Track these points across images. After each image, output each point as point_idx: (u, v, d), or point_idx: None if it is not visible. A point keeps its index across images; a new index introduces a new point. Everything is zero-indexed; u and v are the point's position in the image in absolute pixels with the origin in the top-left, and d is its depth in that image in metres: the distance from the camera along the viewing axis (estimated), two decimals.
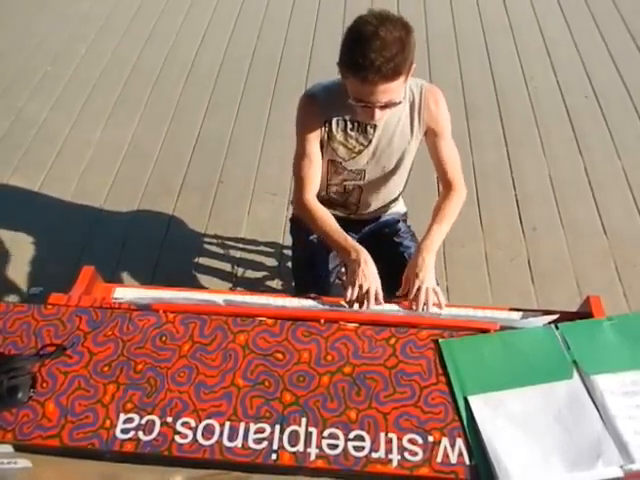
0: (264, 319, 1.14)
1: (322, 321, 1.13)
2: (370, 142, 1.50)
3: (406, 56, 1.23)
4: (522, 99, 3.23)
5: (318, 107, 1.46)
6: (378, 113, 1.32)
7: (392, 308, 1.25)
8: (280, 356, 1.08)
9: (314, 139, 1.48)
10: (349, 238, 1.39)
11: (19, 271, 2.41)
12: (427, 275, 1.31)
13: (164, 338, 1.12)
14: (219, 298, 1.18)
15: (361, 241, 1.79)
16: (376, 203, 1.72)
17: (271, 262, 2.44)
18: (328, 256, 1.72)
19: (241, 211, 2.65)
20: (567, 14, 3.89)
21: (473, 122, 3.07)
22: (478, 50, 3.61)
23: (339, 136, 1.49)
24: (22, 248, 2.52)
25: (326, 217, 1.47)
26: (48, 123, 3.17)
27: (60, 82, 3.45)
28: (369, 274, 1.29)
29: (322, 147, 1.54)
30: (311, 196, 1.51)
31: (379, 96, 1.27)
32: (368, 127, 1.47)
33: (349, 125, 1.48)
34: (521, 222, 2.58)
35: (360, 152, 1.53)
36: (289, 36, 3.77)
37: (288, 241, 1.87)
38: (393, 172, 1.60)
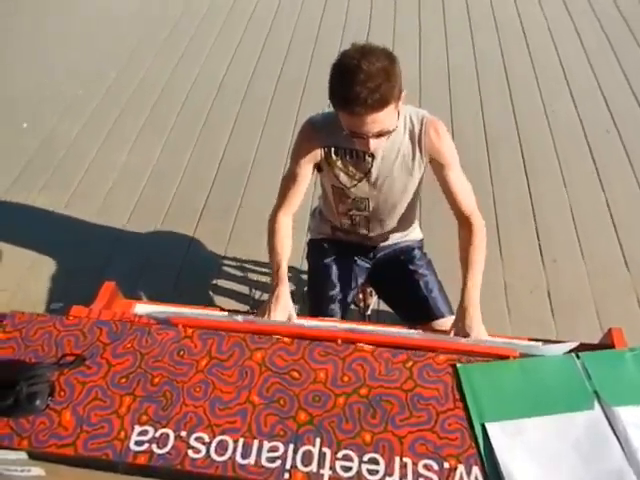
0: (281, 337, 1.14)
1: (339, 341, 1.13)
2: (369, 171, 1.52)
3: (392, 85, 1.24)
4: (542, 131, 3.24)
5: (317, 133, 1.50)
6: (373, 142, 1.34)
7: (409, 332, 1.25)
8: (296, 375, 1.08)
9: (306, 162, 1.51)
10: (282, 269, 1.42)
11: (41, 287, 2.45)
12: (480, 333, 1.31)
13: (182, 352, 1.12)
14: (238, 316, 1.18)
15: (376, 267, 1.81)
16: (386, 233, 1.73)
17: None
18: (343, 280, 1.72)
19: (260, 235, 2.63)
20: (587, 47, 3.92)
21: (493, 152, 3.08)
22: (498, 80, 3.65)
23: (338, 163, 1.52)
24: (45, 264, 2.57)
25: (280, 243, 1.50)
26: (76, 144, 3.27)
27: (90, 105, 3.57)
28: (275, 308, 1.33)
29: (323, 171, 1.57)
30: (282, 216, 1.53)
31: (370, 127, 1.28)
32: (366, 156, 1.49)
33: (347, 153, 1.50)
34: (541, 253, 2.56)
35: (361, 180, 1.55)
36: (313, 64, 3.86)
37: (306, 266, 1.88)
38: (397, 204, 1.61)
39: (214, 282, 2.47)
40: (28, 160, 3.17)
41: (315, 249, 1.85)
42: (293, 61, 3.91)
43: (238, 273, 2.52)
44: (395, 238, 1.77)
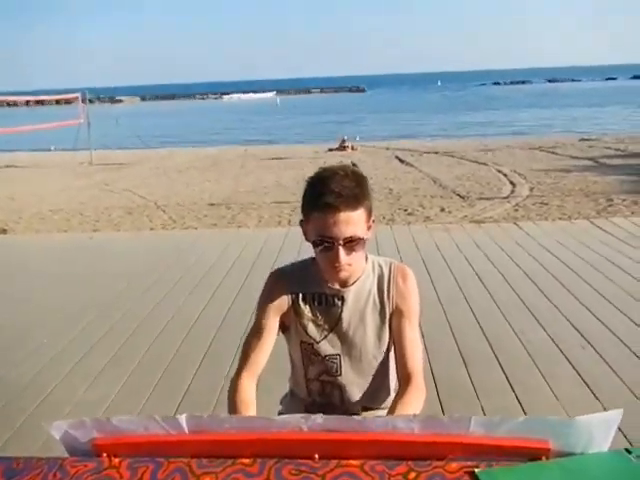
0: (238, 459, 0.86)
1: (316, 457, 0.85)
2: (340, 318, 1.41)
3: (364, 192, 1.30)
4: (517, 348, 3.21)
5: (283, 280, 1.45)
6: (342, 255, 1.28)
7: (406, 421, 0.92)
8: None
9: (272, 313, 1.42)
10: None
11: None
12: None
13: None
14: (182, 416, 0.89)
15: None
16: (366, 405, 1.49)
17: None
18: None
19: None
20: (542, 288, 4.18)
21: (473, 370, 2.97)
22: (464, 313, 3.75)
23: (307, 311, 1.42)
24: None
25: (243, 410, 1.29)
26: (31, 385, 3.02)
27: (54, 350, 3.43)
28: None
29: (290, 327, 1.45)
30: (245, 379, 1.36)
31: (342, 227, 1.26)
32: (336, 300, 1.41)
33: (316, 299, 1.42)
34: None
35: (331, 330, 1.42)
36: None
37: None
38: (371, 362, 1.45)
39: None
40: None
41: None
42: None
43: None
44: (374, 413, 1.51)
